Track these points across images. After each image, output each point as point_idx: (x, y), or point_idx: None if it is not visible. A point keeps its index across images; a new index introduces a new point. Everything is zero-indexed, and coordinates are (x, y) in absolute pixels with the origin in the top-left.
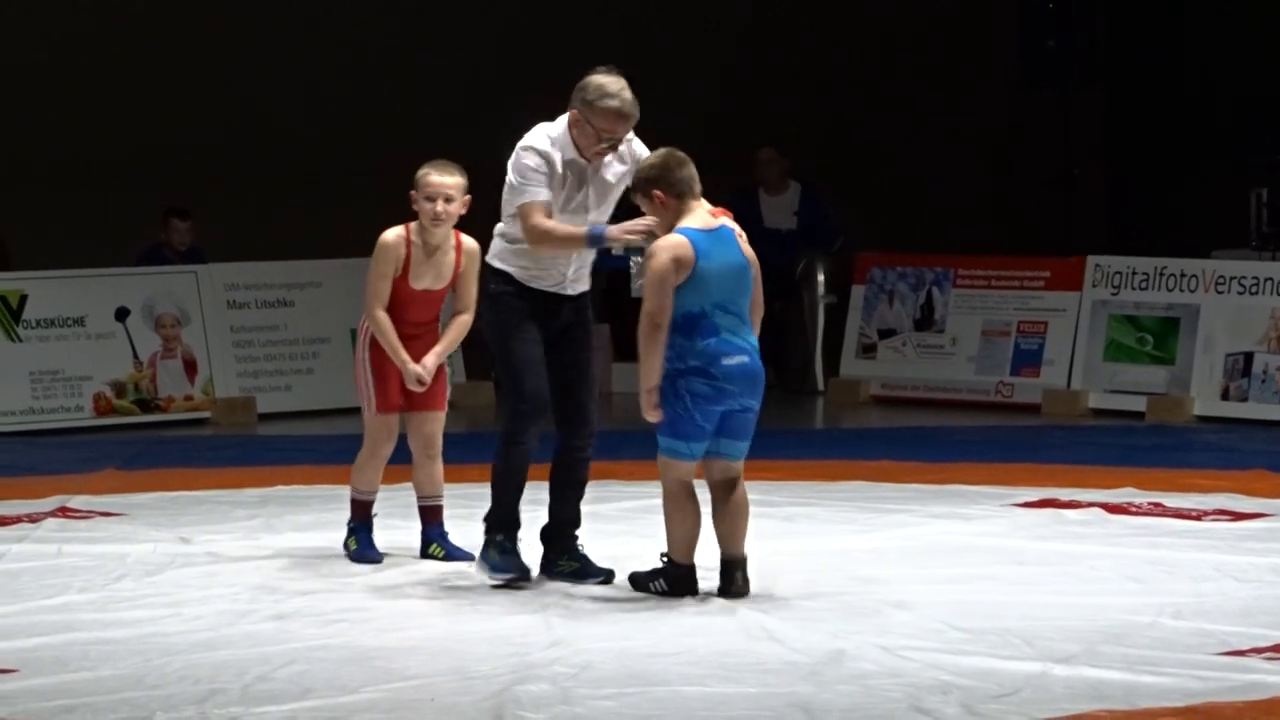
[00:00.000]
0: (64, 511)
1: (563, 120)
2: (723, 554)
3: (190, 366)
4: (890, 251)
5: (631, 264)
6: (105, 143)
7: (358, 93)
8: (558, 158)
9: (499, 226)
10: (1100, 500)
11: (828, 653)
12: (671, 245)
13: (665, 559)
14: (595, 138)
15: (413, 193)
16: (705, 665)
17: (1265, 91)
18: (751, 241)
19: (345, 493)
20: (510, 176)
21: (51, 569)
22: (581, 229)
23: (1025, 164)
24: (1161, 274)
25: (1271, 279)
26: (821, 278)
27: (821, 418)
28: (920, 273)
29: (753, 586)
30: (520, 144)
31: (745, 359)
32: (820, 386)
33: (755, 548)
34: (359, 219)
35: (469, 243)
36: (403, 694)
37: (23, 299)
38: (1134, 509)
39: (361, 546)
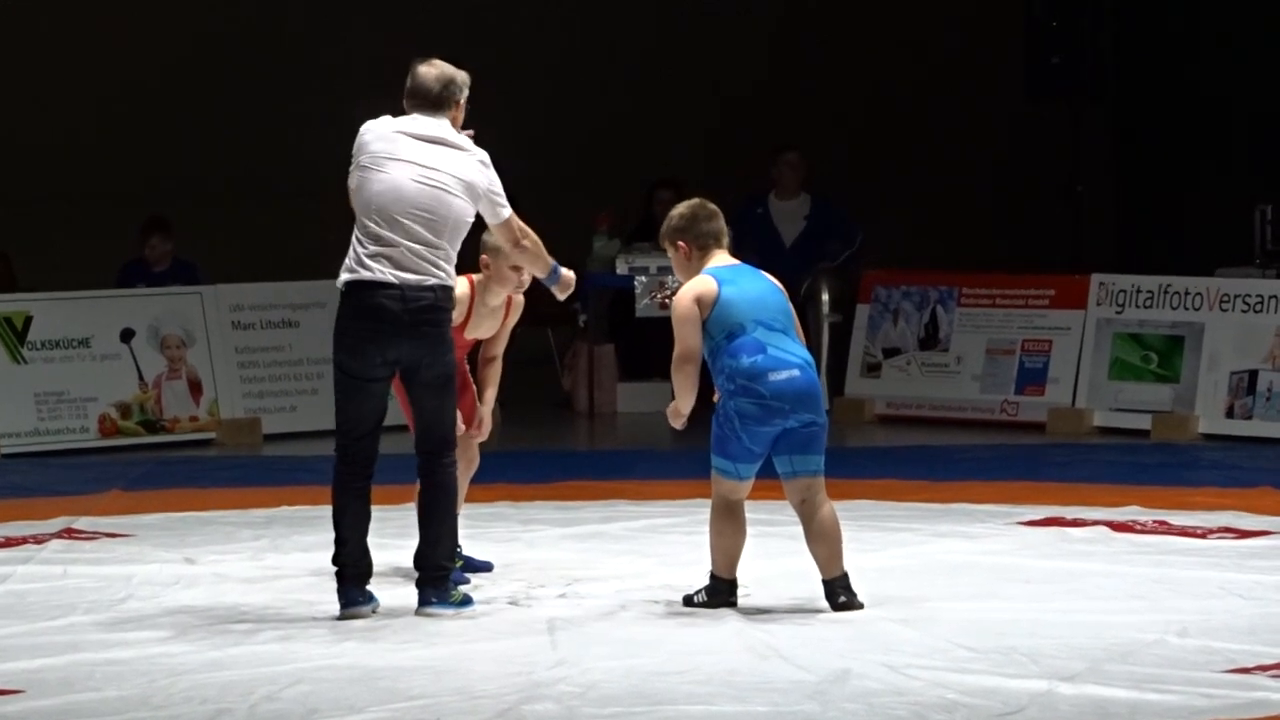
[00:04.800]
0: (69, 533)
1: (446, 123)
2: (823, 577)
3: (195, 387)
4: (895, 270)
5: (636, 283)
6: (110, 162)
7: (367, 113)
8: None
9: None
10: (1105, 518)
11: (833, 671)
12: (691, 285)
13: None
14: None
15: (484, 257)
16: (711, 684)
17: (1272, 108)
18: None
19: None
20: (495, 189)
21: (57, 590)
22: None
23: (1030, 181)
24: (1166, 292)
25: (1276, 297)
26: (826, 296)
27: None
28: (925, 291)
29: (756, 604)
30: (480, 157)
31: (795, 373)
32: (825, 405)
33: (759, 566)
34: None
35: (519, 299)
36: (408, 714)
37: (28, 320)
38: (1139, 527)
39: (466, 559)
